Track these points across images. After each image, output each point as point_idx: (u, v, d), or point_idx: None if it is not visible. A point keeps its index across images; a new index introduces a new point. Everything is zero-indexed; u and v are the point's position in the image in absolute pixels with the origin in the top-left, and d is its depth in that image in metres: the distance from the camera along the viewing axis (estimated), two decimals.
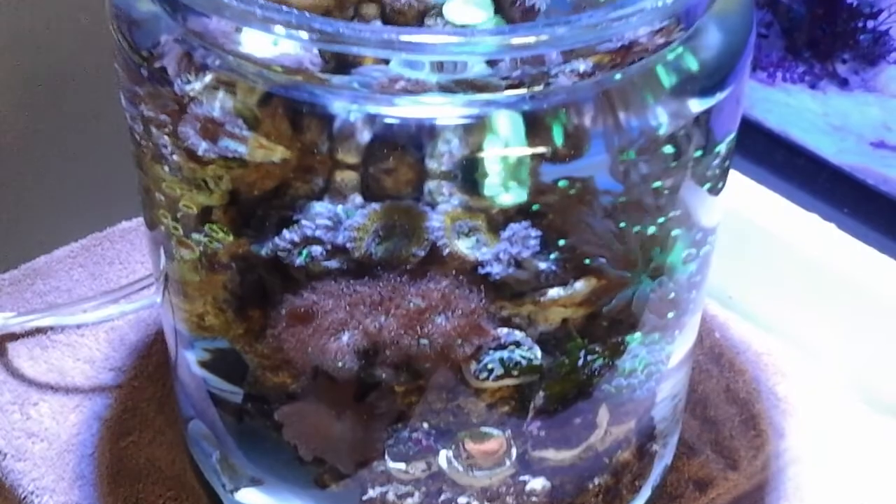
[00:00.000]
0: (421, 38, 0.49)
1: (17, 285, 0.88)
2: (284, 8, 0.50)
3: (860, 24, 0.94)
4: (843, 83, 0.94)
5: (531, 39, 0.50)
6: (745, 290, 0.88)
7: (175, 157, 0.59)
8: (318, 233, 0.57)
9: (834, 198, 0.85)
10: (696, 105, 0.56)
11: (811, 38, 0.94)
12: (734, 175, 0.66)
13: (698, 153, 0.60)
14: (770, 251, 0.86)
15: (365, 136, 0.53)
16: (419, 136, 0.53)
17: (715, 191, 0.65)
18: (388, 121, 0.52)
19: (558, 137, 0.53)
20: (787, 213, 0.86)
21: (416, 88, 0.53)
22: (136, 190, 0.68)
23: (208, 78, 0.54)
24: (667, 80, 0.56)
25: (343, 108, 0.52)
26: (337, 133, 0.53)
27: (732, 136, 0.63)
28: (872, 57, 0.94)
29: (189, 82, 0.55)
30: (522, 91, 0.52)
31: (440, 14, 0.58)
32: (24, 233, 0.92)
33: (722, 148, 0.63)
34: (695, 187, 0.62)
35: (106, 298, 0.82)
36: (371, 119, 0.52)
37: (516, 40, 0.50)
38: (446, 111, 0.52)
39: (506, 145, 0.53)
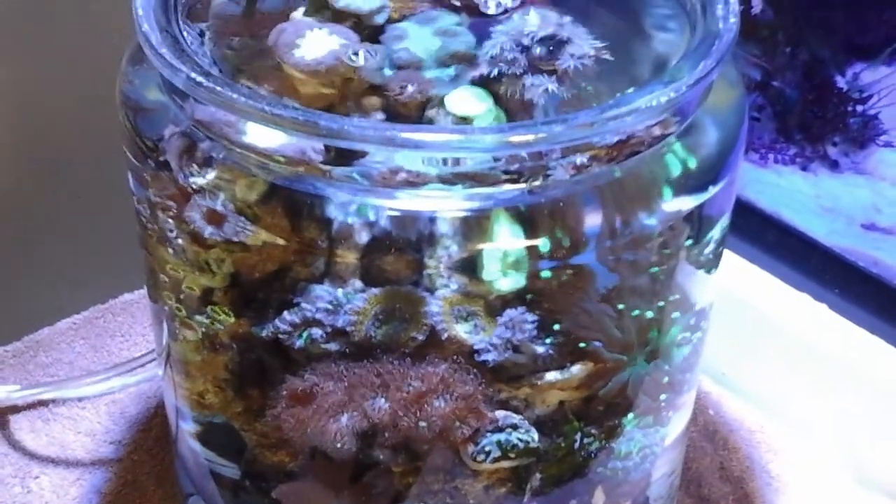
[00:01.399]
0: (422, 135, 0.51)
1: (19, 357, 0.89)
2: (291, 104, 0.52)
3: (850, 108, 0.97)
4: (834, 165, 0.96)
5: (529, 137, 0.51)
6: (738, 366, 0.89)
7: (179, 240, 0.61)
8: (318, 315, 0.59)
9: (825, 279, 0.86)
10: (691, 200, 0.58)
11: (803, 121, 0.96)
12: (727, 254, 0.68)
13: (691, 242, 0.62)
14: (762, 329, 0.87)
15: (363, 237, 0.54)
16: (419, 230, 0.54)
17: (709, 272, 0.66)
18: (388, 212, 0.54)
19: (556, 233, 0.54)
20: (779, 293, 0.87)
21: (417, 181, 0.54)
22: (137, 262, 0.69)
23: (211, 175, 0.56)
24: (663, 173, 0.58)
25: (343, 203, 0.54)
26: (336, 233, 0.55)
27: (726, 222, 0.65)
28: (862, 140, 0.96)
29: (193, 175, 0.56)
30: (521, 186, 0.54)
31: (441, 105, 0.59)
32: (27, 304, 0.92)
33: (716, 234, 0.64)
34: (689, 271, 0.64)
35: (108, 374, 0.83)
36: (370, 224, 0.54)
37: (515, 138, 0.51)
38: (446, 204, 0.54)
39: (504, 239, 0.54)
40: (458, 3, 0.65)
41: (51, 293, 0.93)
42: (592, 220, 0.56)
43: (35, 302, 0.93)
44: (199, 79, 0.53)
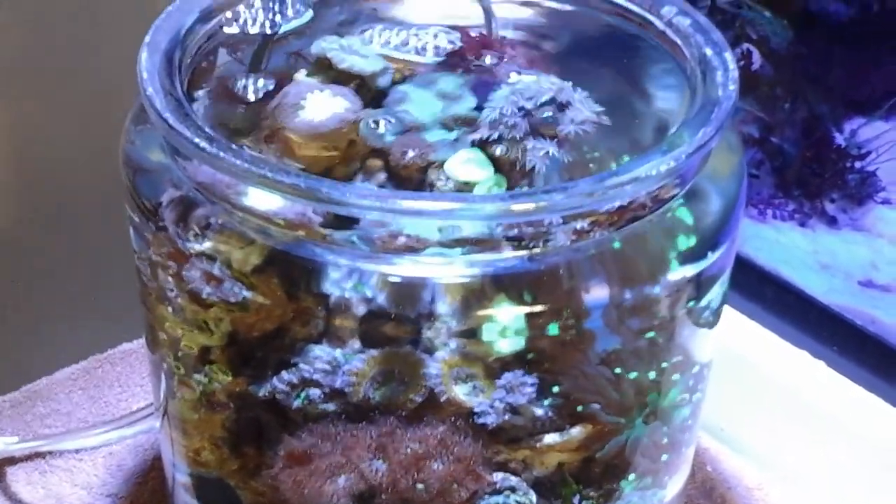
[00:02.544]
0: (423, 203, 0.51)
1: (17, 408, 0.89)
2: (293, 170, 0.52)
3: (848, 165, 0.97)
4: (832, 221, 0.96)
5: (530, 206, 0.52)
6: (736, 422, 0.89)
7: (179, 299, 0.61)
8: (316, 376, 0.59)
9: (823, 336, 0.86)
10: (693, 268, 0.58)
11: (801, 177, 0.97)
12: (726, 309, 0.69)
13: (692, 303, 0.62)
14: (761, 385, 0.87)
15: (360, 310, 0.55)
16: (419, 297, 0.54)
17: (709, 329, 0.66)
18: (389, 279, 0.54)
19: (556, 298, 0.55)
20: (777, 349, 0.87)
21: (417, 245, 0.55)
22: (136, 311, 0.69)
23: (207, 245, 0.56)
24: (664, 239, 0.58)
25: (342, 270, 0.54)
26: (333, 305, 0.55)
27: (726, 282, 0.65)
28: (860, 197, 0.96)
29: (191, 241, 0.57)
30: (522, 253, 0.54)
31: (442, 169, 0.60)
32: (26, 353, 0.92)
33: (716, 294, 0.64)
34: (689, 332, 0.64)
35: (105, 427, 0.83)
36: (367, 300, 0.54)
37: (516, 206, 0.52)
38: (446, 271, 0.54)
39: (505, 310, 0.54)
40: (459, 63, 0.66)
41: (49, 342, 0.93)
42: (594, 290, 0.56)
43: (33, 351, 0.92)
44: (203, 144, 0.53)
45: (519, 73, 0.66)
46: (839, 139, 0.99)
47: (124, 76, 0.61)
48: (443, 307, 0.55)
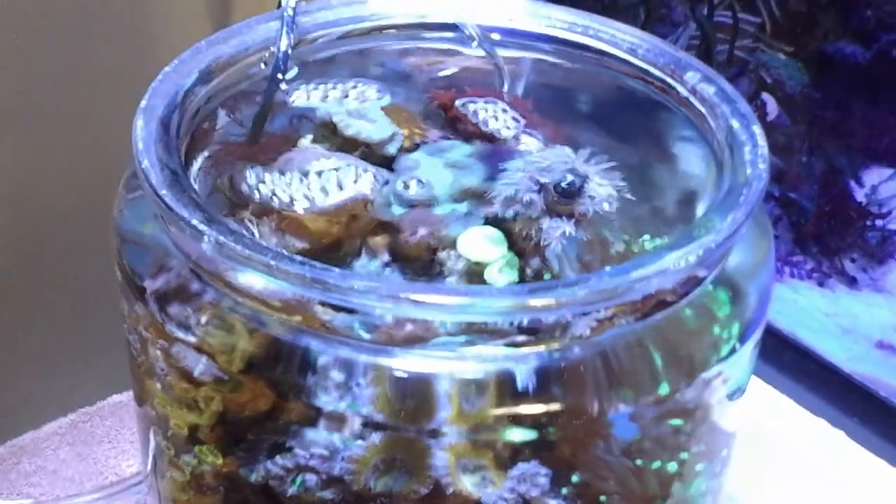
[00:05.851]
0: (433, 297, 0.48)
1: (1, 465, 0.85)
2: (297, 258, 0.49)
3: (869, 223, 0.94)
4: (852, 282, 0.93)
5: (550, 302, 0.48)
6: (750, 489, 0.86)
7: (168, 376, 0.57)
8: (312, 462, 0.55)
9: (844, 405, 0.83)
10: (727, 355, 0.55)
11: (819, 234, 0.94)
12: None
13: (725, 391, 0.58)
14: (776, 453, 0.84)
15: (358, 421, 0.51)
16: (426, 393, 0.51)
17: (734, 410, 0.63)
18: (396, 374, 0.51)
19: (574, 395, 0.51)
20: (794, 417, 0.84)
21: (426, 334, 0.51)
22: (127, 362, 0.66)
23: (193, 339, 0.53)
24: (693, 323, 0.54)
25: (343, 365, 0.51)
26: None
27: (753, 365, 0.62)
28: (881, 256, 0.93)
29: (178, 330, 0.53)
30: (539, 348, 0.51)
31: (454, 247, 0.56)
32: (10, 406, 0.89)
33: (745, 373, 0.61)
34: (716, 417, 0.60)
35: (94, 494, 0.80)
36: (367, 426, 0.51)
37: (533, 302, 0.48)
38: (456, 366, 0.51)
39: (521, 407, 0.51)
40: (470, 129, 0.63)
41: (36, 394, 0.89)
42: (615, 378, 0.52)
43: (19, 403, 0.89)
44: (201, 226, 0.50)
45: (534, 137, 0.63)
46: (859, 195, 0.95)
47: (124, 122, 0.58)
48: (451, 407, 0.51)
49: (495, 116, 0.64)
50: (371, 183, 0.58)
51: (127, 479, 0.80)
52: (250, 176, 0.58)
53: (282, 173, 0.58)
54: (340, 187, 0.57)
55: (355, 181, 0.57)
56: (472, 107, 0.65)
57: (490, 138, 0.63)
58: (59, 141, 0.83)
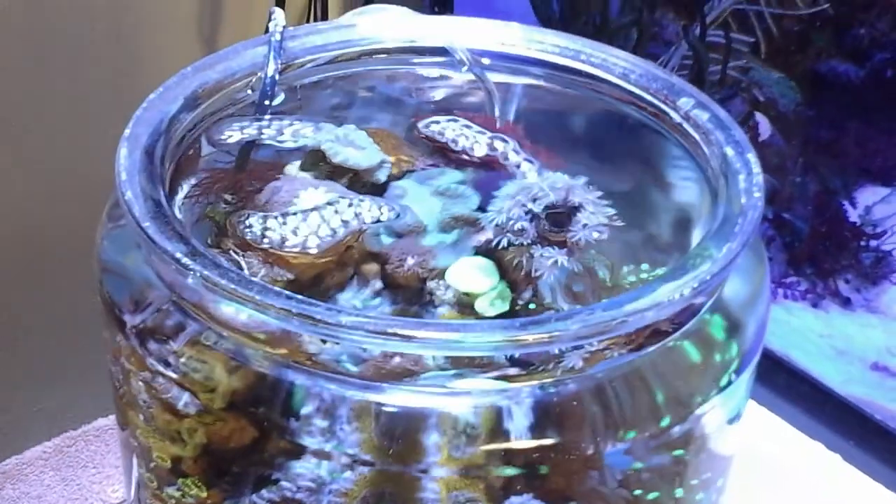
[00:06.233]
0: (422, 333, 0.47)
1: None
2: (283, 293, 0.48)
3: (863, 244, 0.93)
4: (846, 302, 0.92)
5: (543, 337, 0.47)
6: None
7: (150, 408, 0.56)
8: (299, 495, 0.54)
9: (840, 428, 0.82)
10: (725, 385, 0.54)
11: (813, 255, 0.93)
12: None
13: (724, 420, 0.57)
14: (772, 476, 0.83)
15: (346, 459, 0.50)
16: (415, 429, 0.50)
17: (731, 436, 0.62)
18: (385, 409, 0.50)
19: (568, 431, 0.50)
20: (790, 440, 0.83)
21: (415, 368, 0.50)
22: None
23: (175, 375, 0.52)
24: (689, 354, 0.53)
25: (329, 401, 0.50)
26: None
27: (749, 393, 0.61)
28: (875, 277, 0.92)
29: (160, 366, 0.52)
30: (532, 381, 0.49)
31: (443, 277, 0.55)
32: None
33: (743, 399, 0.60)
34: (713, 445, 0.59)
35: None
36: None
37: (526, 336, 0.47)
38: (446, 402, 0.50)
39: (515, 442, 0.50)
40: (463, 157, 0.62)
41: (19, 418, 0.88)
42: (611, 412, 0.51)
43: (3, 428, 0.88)
44: (186, 260, 0.49)
45: (526, 163, 0.62)
46: (853, 215, 0.94)
47: (111, 146, 0.57)
48: (441, 448, 0.50)
49: (464, 135, 0.63)
50: (366, 212, 0.57)
51: None
52: (255, 223, 0.57)
53: (283, 216, 0.56)
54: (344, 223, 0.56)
55: (352, 215, 0.56)
56: (435, 127, 0.64)
57: (463, 155, 0.62)
58: (46, 165, 0.82)
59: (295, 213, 0.56)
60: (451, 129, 0.63)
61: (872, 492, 0.81)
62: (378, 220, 0.57)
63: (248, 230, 0.55)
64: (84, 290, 0.69)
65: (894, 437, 0.81)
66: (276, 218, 0.56)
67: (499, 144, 0.63)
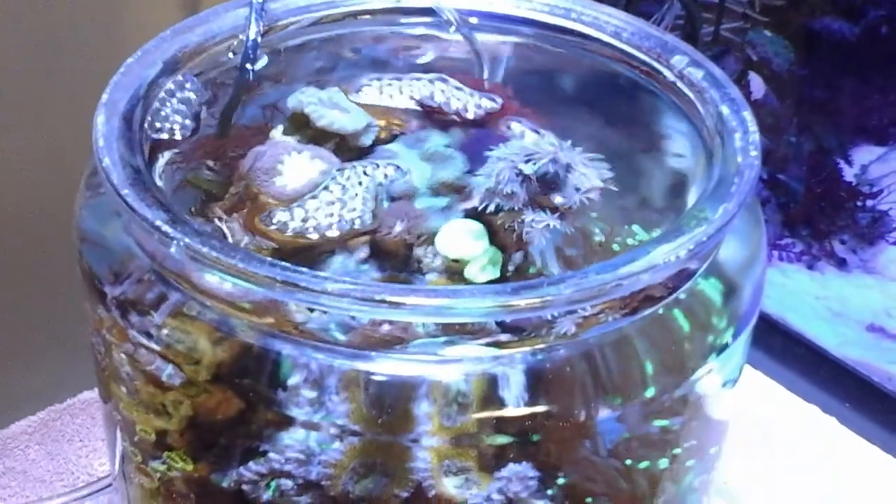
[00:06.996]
0: (411, 299, 0.46)
1: None
2: (267, 260, 0.46)
3: (859, 203, 0.92)
4: (842, 263, 0.91)
5: (535, 301, 0.46)
6: (739, 477, 0.85)
7: (134, 381, 0.55)
8: (287, 466, 0.53)
9: (836, 390, 0.81)
10: (719, 351, 0.53)
11: (809, 216, 0.91)
12: None
13: (718, 384, 0.56)
14: (767, 439, 0.83)
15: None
16: (406, 398, 0.49)
17: (727, 401, 0.61)
18: (374, 378, 0.48)
19: (561, 397, 0.49)
20: (785, 403, 0.82)
21: (404, 335, 0.49)
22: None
23: (157, 347, 0.51)
24: (684, 319, 0.52)
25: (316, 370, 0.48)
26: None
27: (744, 361, 0.60)
28: (872, 237, 0.91)
29: (142, 337, 0.51)
30: (524, 349, 0.48)
31: (431, 243, 0.54)
32: None
33: (738, 364, 0.59)
34: (707, 412, 0.58)
35: (64, 498, 0.77)
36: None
37: (517, 302, 0.46)
38: (436, 370, 0.48)
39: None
40: (449, 117, 0.61)
41: (3, 393, 0.87)
42: (603, 377, 0.50)
43: None
44: (165, 227, 0.47)
45: (516, 124, 0.61)
46: (849, 174, 0.93)
47: (88, 115, 0.55)
48: (432, 417, 0.49)
49: (441, 91, 0.62)
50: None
51: (96, 482, 0.78)
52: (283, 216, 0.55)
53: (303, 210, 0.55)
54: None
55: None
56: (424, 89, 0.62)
57: (438, 112, 0.61)
58: (21, 133, 0.80)
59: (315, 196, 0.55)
60: (440, 92, 0.62)
61: (868, 454, 0.80)
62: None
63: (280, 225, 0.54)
64: (66, 264, 0.68)
65: (890, 399, 0.81)
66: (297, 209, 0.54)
67: (488, 104, 0.62)
